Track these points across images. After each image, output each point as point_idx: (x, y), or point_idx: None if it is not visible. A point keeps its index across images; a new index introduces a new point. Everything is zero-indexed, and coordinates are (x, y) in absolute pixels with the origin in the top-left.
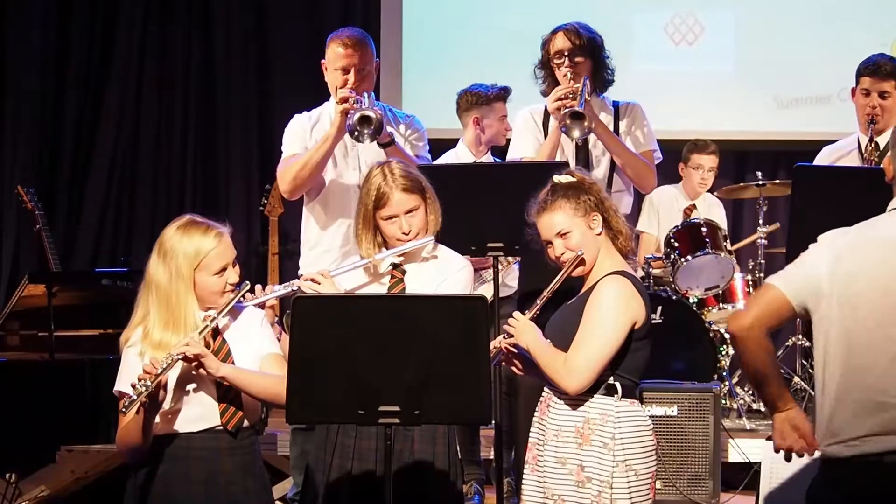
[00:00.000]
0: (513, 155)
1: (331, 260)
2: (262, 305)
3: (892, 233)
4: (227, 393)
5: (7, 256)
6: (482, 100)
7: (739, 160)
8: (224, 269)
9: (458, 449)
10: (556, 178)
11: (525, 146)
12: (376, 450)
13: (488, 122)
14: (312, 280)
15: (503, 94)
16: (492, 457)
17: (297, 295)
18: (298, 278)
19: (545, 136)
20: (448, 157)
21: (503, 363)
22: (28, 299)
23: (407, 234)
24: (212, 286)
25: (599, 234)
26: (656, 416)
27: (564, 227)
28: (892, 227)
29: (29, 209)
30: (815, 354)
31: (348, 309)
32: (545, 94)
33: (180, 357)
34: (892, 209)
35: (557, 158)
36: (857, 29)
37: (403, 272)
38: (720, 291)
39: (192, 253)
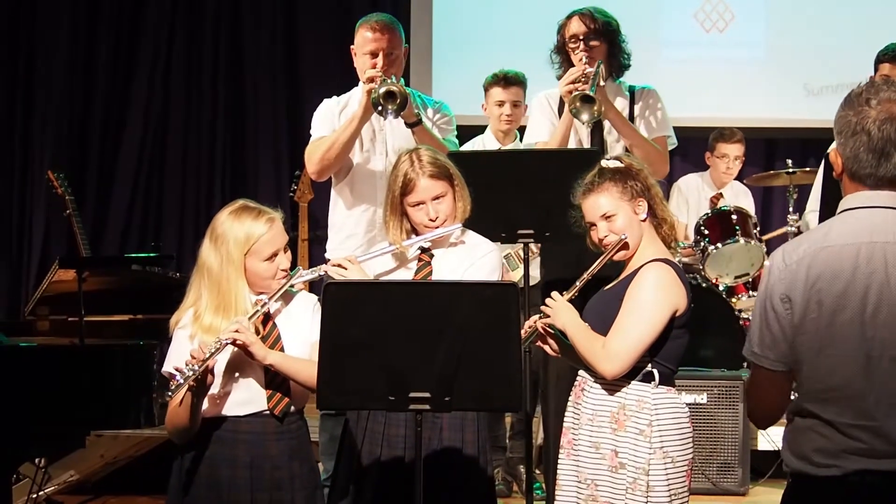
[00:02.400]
0: (527, 139)
1: (355, 245)
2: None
3: (846, 241)
4: (274, 378)
5: (37, 241)
6: (484, 86)
7: (769, 148)
8: (275, 255)
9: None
10: (604, 162)
11: (540, 130)
12: (405, 436)
13: (486, 106)
14: (339, 265)
15: (494, 80)
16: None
17: (327, 281)
18: (326, 263)
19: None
20: (475, 144)
21: (537, 343)
22: (58, 284)
23: (434, 221)
24: (262, 272)
25: (644, 221)
26: (686, 405)
27: (609, 210)
28: (844, 234)
29: (59, 194)
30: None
31: (379, 295)
32: (560, 77)
33: (228, 342)
34: (843, 210)
35: (571, 143)
36: (888, 15)
37: (431, 256)
38: (750, 279)
39: (243, 238)
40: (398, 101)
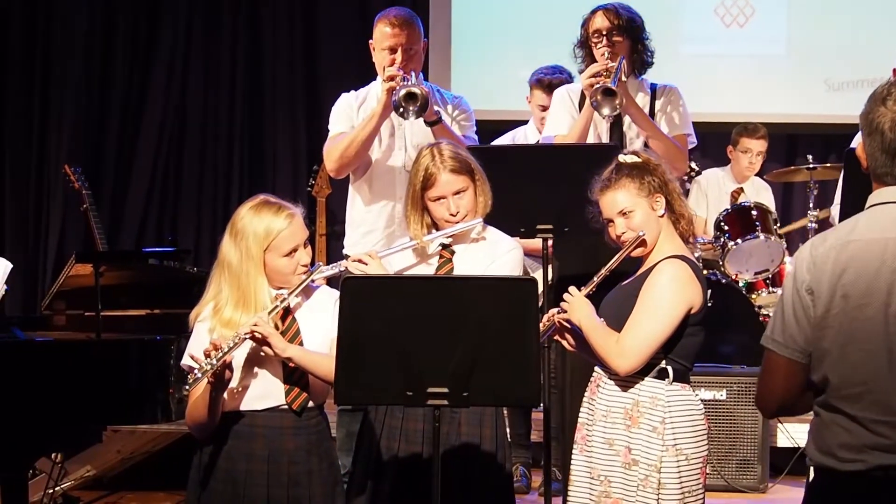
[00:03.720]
0: (547, 132)
1: (374, 241)
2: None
3: (873, 236)
4: (293, 373)
5: (54, 236)
6: (529, 83)
7: (790, 143)
8: (294, 250)
9: (507, 431)
10: (622, 158)
11: (559, 124)
12: (423, 431)
13: (530, 99)
14: (360, 261)
15: (539, 84)
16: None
17: (346, 275)
18: (345, 258)
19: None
20: (517, 135)
21: (555, 336)
22: (75, 279)
23: (455, 216)
24: (282, 267)
25: (661, 217)
26: (705, 401)
27: (627, 206)
28: (871, 229)
29: (76, 189)
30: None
31: (398, 290)
32: (582, 71)
33: (247, 336)
34: (871, 205)
35: (591, 138)
36: None
37: (452, 252)
38: (770, 275)
39: (263, 233)
40: (419, 102)
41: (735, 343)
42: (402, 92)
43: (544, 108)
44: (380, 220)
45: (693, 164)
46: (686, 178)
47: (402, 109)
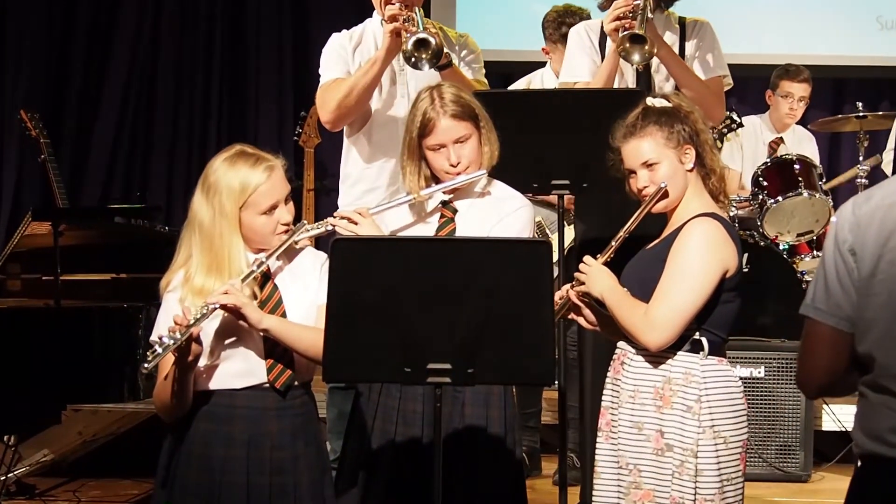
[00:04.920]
0: (565, 78)
1: (374, 199)
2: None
3: None
4: (275, 347)
5: (8, 190)
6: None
7: (837, 88)
8: (274, 208)
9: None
10: (650, 102)
11: (580, 69)
12: (423, 413)
13: (555, 60)
14: (349, 219)
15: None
16: (554, 422)
17: (336, 237)
18: (334, 216)
19: (601, 58)
20: (533, 80)
21: (570, 315)
22: (31, 238)
23: (456, 167)
24: (260, 226)
25: (690, 171)
26: (741, 378)
27: (652, 157)
28: None
29: (33, 136)
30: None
31: (394, 253)
32: (602, 7)
33: (216, 306)
34: None
35: (616, 84)
36: None
37: (454, 210)
38: (814, 237)
39: (238, 188)
40: (432, 49)
41: (774, 313)
42: (413, 40)
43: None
44: (381, 177)
45: (734, 115)
46: (725, 129)
47: (413, 60)
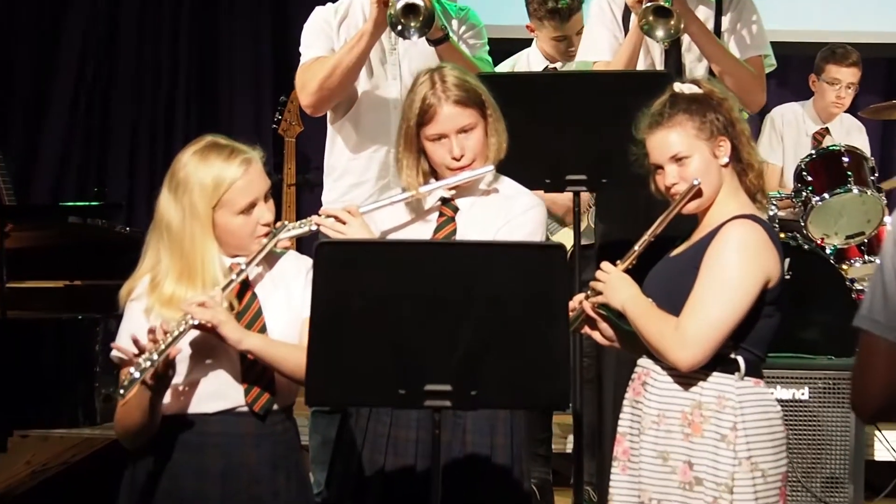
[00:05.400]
0: (584, 56)
1: (365, 195)
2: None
3: None
4: (253, 366)
5: None
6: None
7: (890, 71)
8: (252, 206)
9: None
10: (678, 87)
11: (599, 46)
12: (416, 441)
13: (541, 38)
14: (336, 218)
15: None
16: (567, 450)
17: (321, 240)
18: (319, 215)
19: (626, 34)
20: (518, 62)
21: (584, 330)
22: None
23: (459, 160)
24: (236, 228)
25: (725, 166)
26: (782, 401)
27: (682, 151)
28: None
29: None
30: None
31: (387, 258)
32: None
33: (194, 324)
34: None
35: (641, 65)
36: None
37: (455, 209)
38: (865, 239)
39: (210, 185)
40: (421, 16)
41: (821, 327)
42: (400, 4)
43: (561, 39)
44: (370, 170)
45: None
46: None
47: (400, 27)
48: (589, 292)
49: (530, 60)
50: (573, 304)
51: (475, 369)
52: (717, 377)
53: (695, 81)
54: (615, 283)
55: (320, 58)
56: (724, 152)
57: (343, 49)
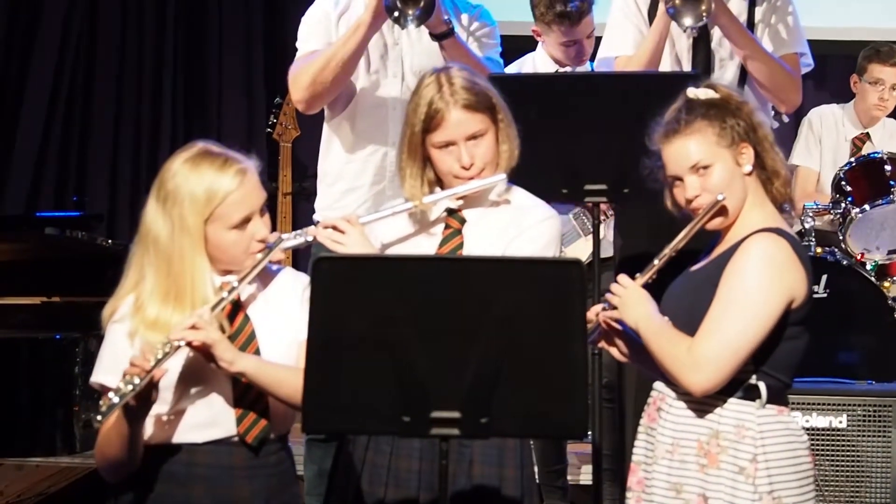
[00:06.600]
0: (605, 52)
1: (358, 202)
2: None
3: None
4: (246, 392)
5: None
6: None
7: None
8: (247, 220)
9: (536, 470)
10: (692, 93)
11: (622, 40)
12: (419, 472)
13: (549, 43)
14: (335, 228)
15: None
16: (583, 481)
17: (318, 255)
18: (315, 225)
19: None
20: (524, 65)
21: (601, 343)
22: None
23: (468, 169)
24: (230, 244)
25: (749, 174)
26: (817, 429)
27: (703, 159)
28: None
29: None
30: None
31: (389, 275)
32: None
33: (181, 344)
34: None
35: (665, 62)
36: None
37: (462, 221)
38: None
39: (203, 197)
40: (421, 3)
41: (860, 349)
42: None
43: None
44: (365, 174)
45: None
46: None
47: (398, 13)
48: (605, 305)
49: (537, 64)
50: (590, 315)
51: (486, 395)
52: (735, 404)
53: (710, 86)
54: (630, 300)
55: (316, 51)
56: (747, 159)
57: (338, 41)
